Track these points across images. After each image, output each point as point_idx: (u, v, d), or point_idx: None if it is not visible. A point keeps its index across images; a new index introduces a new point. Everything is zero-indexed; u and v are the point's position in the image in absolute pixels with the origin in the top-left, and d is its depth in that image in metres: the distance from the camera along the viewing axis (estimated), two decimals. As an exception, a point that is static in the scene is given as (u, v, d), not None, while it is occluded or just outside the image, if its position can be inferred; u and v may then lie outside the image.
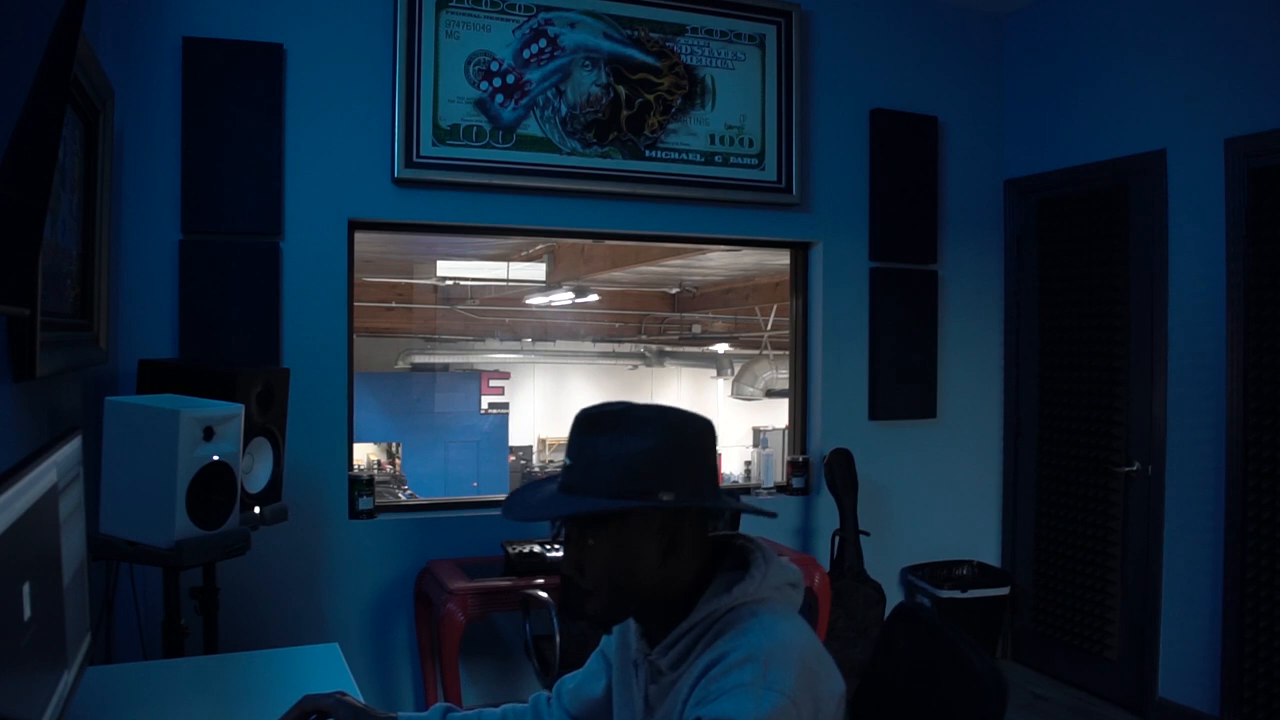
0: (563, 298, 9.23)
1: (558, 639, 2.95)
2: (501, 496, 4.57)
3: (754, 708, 1.10)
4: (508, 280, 8.59)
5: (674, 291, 10.48)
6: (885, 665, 1.56)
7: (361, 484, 3.49)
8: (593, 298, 9.60)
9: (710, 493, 1.27)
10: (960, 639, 1.42)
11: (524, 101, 3.56)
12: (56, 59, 1.44)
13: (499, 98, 3.53)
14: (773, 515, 1.51)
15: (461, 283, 9.22)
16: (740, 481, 9.94)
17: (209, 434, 2.18)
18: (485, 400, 11.85)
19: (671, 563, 1.25)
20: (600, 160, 3.67)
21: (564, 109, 3.62)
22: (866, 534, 3.94)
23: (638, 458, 1.21)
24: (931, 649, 1.47)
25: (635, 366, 12.53)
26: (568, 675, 1.56)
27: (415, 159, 3.42)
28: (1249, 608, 3.31)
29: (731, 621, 1.22)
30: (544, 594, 3.02)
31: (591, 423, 1.25)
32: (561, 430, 12.41)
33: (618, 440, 1.22)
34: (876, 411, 4.17)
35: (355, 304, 3.54)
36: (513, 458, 11.92)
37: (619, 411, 1.25)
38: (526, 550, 3.26)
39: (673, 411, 1.27)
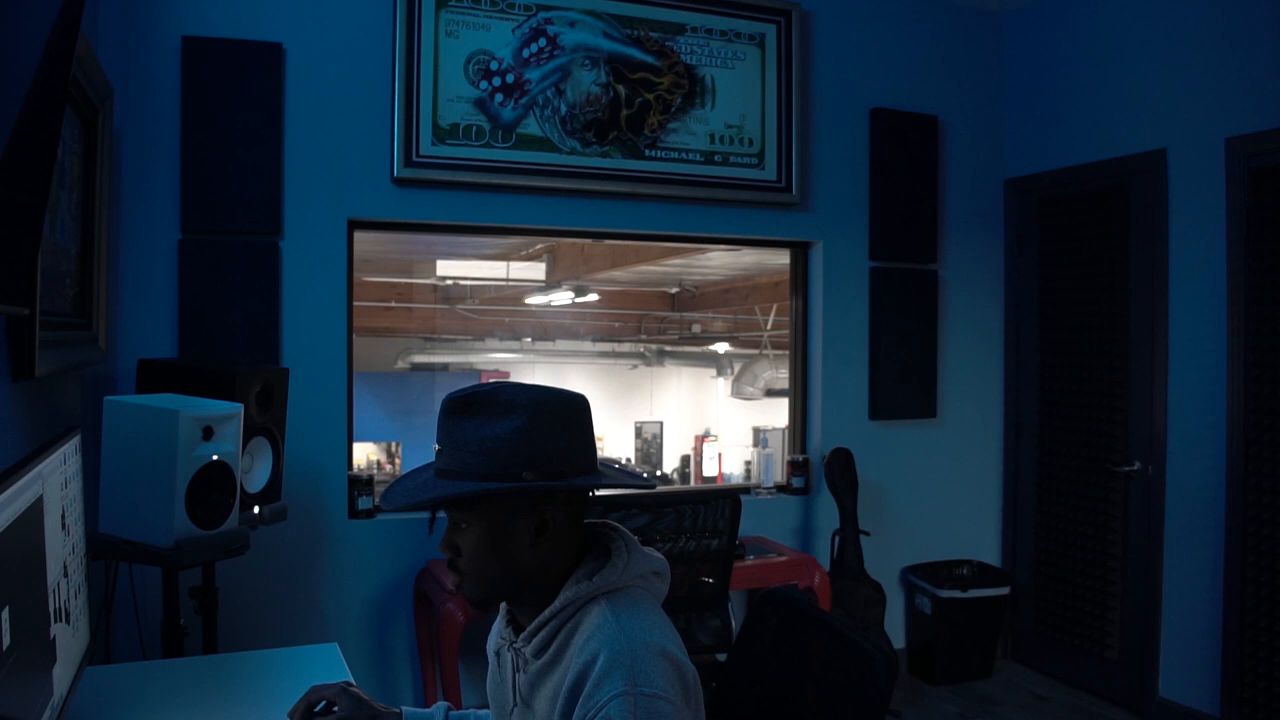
0: (562, 297, 9.22)
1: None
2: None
3: (632, 716, 1.12)
4: (507, 280, 8.59)
5: (674, 291, 10.47)
6: (755, 649, 1.57)
7: (361, 484, 3.48)
8: (592, 297, 9.58)
9: (577, 472, 1.27)
10: (834, 618, 1.46)
11: (524, 101, 3.56)
12: (56, 58, 1.44)
13: (498, 97, 3.53)
14: (651, 487, 1.56)
15: (461, 282, 9.21)
16: (740, 481, 9.94)
17: (208, 434, 2.18)
18: (485, 400, 11.84)
19: (545, 546, 1.26)
20: (600, 160, 3.67)
21: (564, 108, 3.62)
22: (866, 534, 3.94)
23: (503, 439, 1.23)
24: (805, 630, 1.49)
25: (635, 366, 12.51)
26: None
27: (415, 158, 3.42)
28: (1249, 607, 3.31)
29: (587, 613, 1.24)
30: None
31: (459, 406, 1.26)
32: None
33: (485, 423, 1.24)
34: (876, 411, 4.17)
35: (355, 303, 3.54)
36: (512, 457, 11.91)
37: (486, 394, 1.26)
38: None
39: (541, 391, 1.28)
